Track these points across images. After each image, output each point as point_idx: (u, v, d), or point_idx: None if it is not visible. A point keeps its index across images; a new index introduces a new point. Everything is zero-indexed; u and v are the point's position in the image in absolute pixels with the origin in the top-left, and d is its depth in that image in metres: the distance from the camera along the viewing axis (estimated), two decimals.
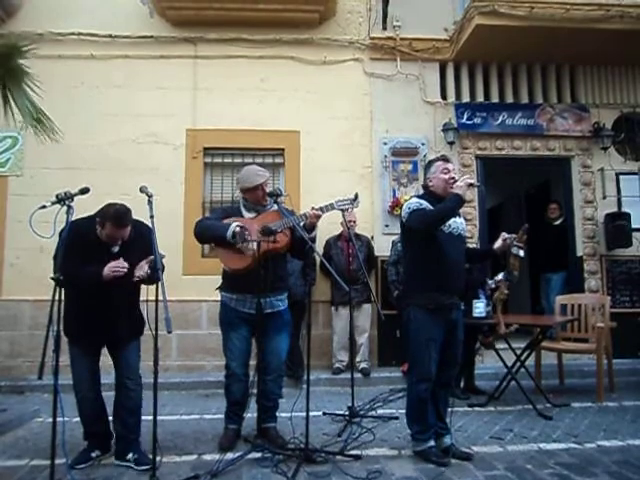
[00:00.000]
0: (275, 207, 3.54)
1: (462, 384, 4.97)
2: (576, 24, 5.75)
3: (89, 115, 6.14)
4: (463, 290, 3.32)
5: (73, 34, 6.27)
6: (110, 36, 6.30)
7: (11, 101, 4.32)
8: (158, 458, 2.80)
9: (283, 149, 6.39)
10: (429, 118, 6.54)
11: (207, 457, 3.26)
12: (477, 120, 6.53)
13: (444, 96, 6.63)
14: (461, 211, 3.36)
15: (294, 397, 3.74)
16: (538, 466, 3.05)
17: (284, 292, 3.61)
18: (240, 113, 6.29)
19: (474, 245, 6.09)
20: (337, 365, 5.70)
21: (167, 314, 2.60)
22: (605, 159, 6.59)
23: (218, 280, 3.59)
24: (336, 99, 6.45)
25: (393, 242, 5.66)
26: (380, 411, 4.38)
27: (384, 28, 6.55)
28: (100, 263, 2.95)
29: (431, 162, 3.40)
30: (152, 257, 2.92)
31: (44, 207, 2.72)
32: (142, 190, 2.98)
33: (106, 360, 3.24)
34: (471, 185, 3.15)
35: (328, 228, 5.62)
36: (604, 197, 6.55)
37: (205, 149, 6.31)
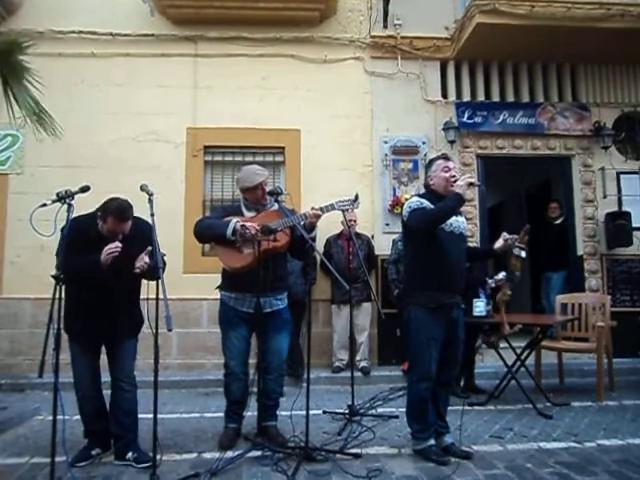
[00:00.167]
0: (275, 206, 3.55)
1: (462, 383, 4.97)
2: (577, 23, 5.74)
3: (89, 113, 6.14)
4: (464, 289, 3.32)
5: (73, 32, 6.27)
6: (110, 34, 6.30)
7: (11, 97, 4.32)
8: (158, 456, 2.79)
9: (283, 147, 6.39)
10: (430, 117, 6.53)
11: (207, 455, 3.26)
12: (478, 119, 6.52)
13: (445, 95, 6.62)
14: (462, 210, 3.36)
15: (294, 395, 3.74)
16: (538, 465, 3.05)
17: (284, 291, 3.60)
18: (241, 111, 6.28)
19: (474, 244, 6.09)
20: (337, 364, 5.71)
21: (167, 312, 2.60)
22: (606, 158, 6.59)
23: (218, 278, 3.60)
24: (337, 97, 6.44)
25: (393, 241, 5.65)
26: (380, 410, 4.38)
27: (385, 26, 6.55)
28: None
29: (432, 161, 3.40)
30: (150, 248, 2.92)
31: (45, 205, 2.73)
32: (142, 188, 2.98)
33: (104, 358, 3.23)
34: (471, 184, 3.15)
35: (328, 227, 5.61)
36: (605, 196, 6.55)
37: (205, 147, 6.31)
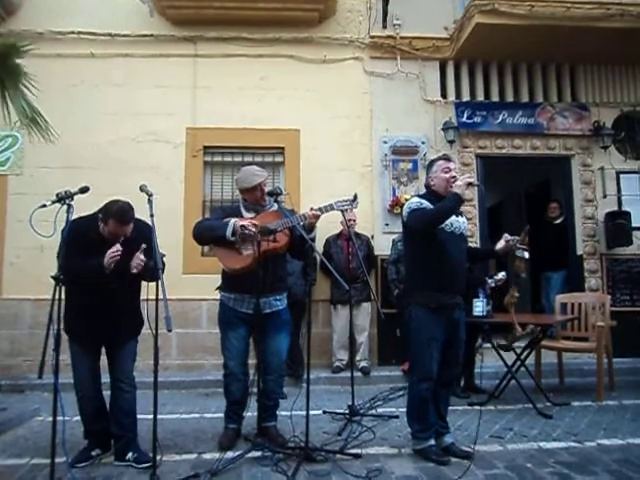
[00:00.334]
0: (275, 207, 3.55)
1: (462, 383, 4.97)
2: (576, 22, 5.75)
3: (89, 114, 6.14)
4: (465, 289, 3.32)
5: (73, 33, 6.26)
6: (110, 35, 6.30)
7: (8, 100, 4.32)
8: (158, 457, 2.80)
9: (283, 148, 6.39)
10: (429, 117, 6.54)
11: (207, 456, 3.26)
12: (477, 119, 6.52)
13: (444, 95, 6.63)
14: (462, 210, 3.36)
15: (294, 396, 3.74)
16: (538, 465, 3.05)
17: (283, 292, 3.60)
18: (240, 112, 6.29)
19: (474, 244, 6.09)
20: (337, 364, 5.70)
21: (167, 313, 2.60)
22: (605, 158, 6.59)
23: (218, 279, 3.59)
24: (336, 98, 6.44)
25: (393, 241, 5.65)
26: (380, 410, 4.38)
27: (384, 27, 6.55)
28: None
29: (433, 161, 3.40)
30: (144, 246, 2.93)
31: (44, 206, 2.73)
32: (142, 189, 2.99)
33: (104, 358, 3.23)
34: (470, 184, 3.15)
35: (328, 227, 5.61)
36: (604, 196, 6.55)
37: (205, 148, 6.31)
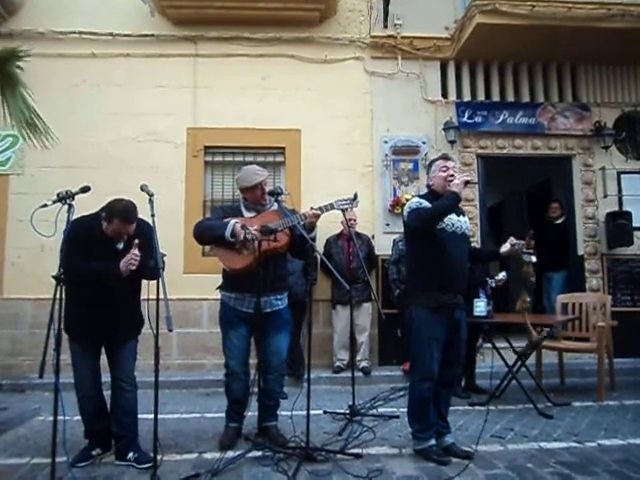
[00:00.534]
0: (275, 206, 3.55)
1: (463, 383, 4.97)
2: (577, 23, 5.74)
3: (90, 113, 6.14)
4: (466, 289, 3.32)
5: (74, 33, 6.27)
6: (111, 35, 6.30)
7: (5, 105, 4.34)
8: (159, 456, 2.80)
9: (284, 148, 6.39)
10: (430, 117, 6.53)
11: (208, 455, 3.26)
12: (478, 119, 6.52)
13: (445, 95, 6.62)
14: (463, 210, 3.37)
15: (295, 396, 3.74)
16: (539, 465, 3.05)
17: (284, 291, 3.60)
18: (241, 111, 6.29)
19: (475, 244, 6.08)
20: (338, 364, 5.70)
21: (168, 312, 2.60)
22: (606, 158, 6.59)
23: (219, 279, 3.59)
24: (337, 97, 6.44)
25: (394, 241, 5.65)
26: (381, 410, 4.38)
27: (385, 26, 6.54)
28: (105, 260, 2.96)
29: (433, 161, 3.43)
30: (137, 241, 2.94)
31: (45, 206, 2.73)
32: (143, 189, 2.99)
33: (104, 358, 3.24)
34: (468, 182, 3.15)
35: (328, 227, 5.61)
36: (605, 196, 6.54)
37: (206, 147, 6.31)
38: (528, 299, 4.34)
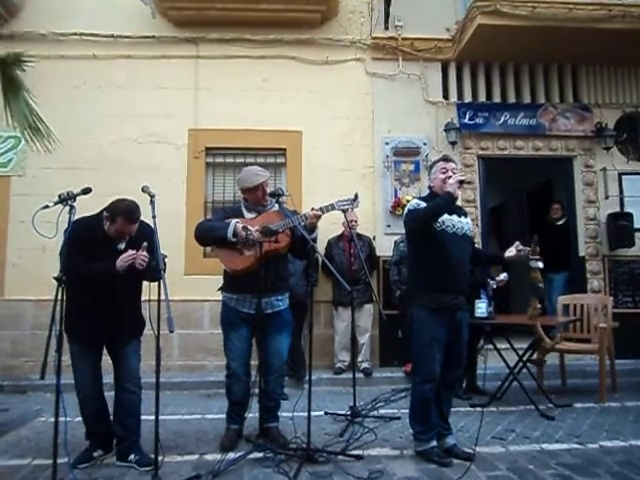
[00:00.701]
0: (276, 207, 3.56)
1: (464, 384, 4.96)
2: (578, 24, 5.74)
3: (91, 115, 6.15)
4: (468, 290, 3.32)
5: (75, 34, 6.28)
6: (112, 36, 6.31)
7: (8, 108, 4.36)
8: (160, 458, 2.80)
9: (285, 149, 6.39)
10: (431, 118, 6.53)
11: (209, 457, 3.26)
12: (479, 120, 6.52)
13: (446, 96, 6.62)
14: (466, 211, 3.38)
15: (296, 397, 3.74)
16: (540, 466, 3.05)
17: (285, 292, 3.60)
18: (242, 113, 6.29)
19: (476, 244, 6.07)
20: (339, 365, 5.70)
21: (169, 314, 2.60)
22: (607, 159, 6.58)
23: (220, 280, 3.59)
24: (338, 99, 6.45)
25: (395, 242, 5.65)
26: (382, 411, 4.38)
27: (386, 28, 6.55)
28: (107, 260, 2.96)
29: (434, 163, 3.46)
30: (146, 243, 2.95)
31: (47, 207, 2.73)
32: (144, 190, 3.00)
33: (107, 359, 3.24)
34: (462, 182, 3.15)
35: (329, 228, 5.62)
36: (606, 197, 6.54)
37: (207, 149, 6.31)
38: (539, 306, 4.34)
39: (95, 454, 3.16)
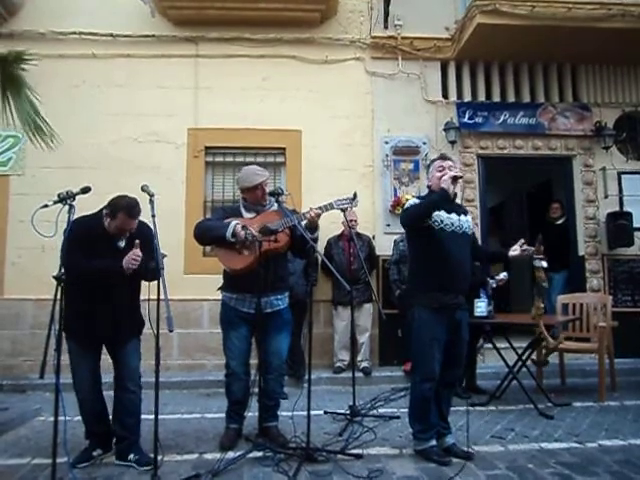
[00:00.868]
0: (275, 206, 3.56)
1: (464, 383, 4.96)
2: (578, 23, 5.74)
3: (90, 114, 6.15)
4: (468, 289, 3.32)
5: (74, 33, 6.27)
6: (111, 35, 6.31)
7: (9, 106, 4.35)
8: (159, 457, 2.80)
9: (284, 148, 6.39)
10: (430, 117, 6.53)
11: (208, 456, 3.26)
12: (479, 119, 6.52)
13: (445, 95, 6.62)
14: (466, 209, 3.39)
15: (295, 396, 3.74)
16: (539, 465, 3.05)
17: (284, 292, 3.60)
18: (241, 112, 6.28)
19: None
20: (338, 364, 5.70)
21: (169, 313, 2.60)
22: (607, 158, 6.58)
23: (219, 279, 3.59)
24: (337, 98, 6.44)
25: (395, 241, 5.65)
26: (381, 410, 4.38)
27: (385, 27, 6.54)
28: (107, 258, 2.96)
29: (431, 162, 3.48)
30: (138, 241, 2.95)
31: (46, 206, 2.73)
32: (143, 189, 2.99)
33: (106, 359, 3.24)
34: (455, 178, 3.16)
35: (329, 228, 5.62)
36: (606, 196, 6.54)
37: (206, 148, 6.31)
38: (542, 305, 4.35)
39: (94, 453, 3.16)
